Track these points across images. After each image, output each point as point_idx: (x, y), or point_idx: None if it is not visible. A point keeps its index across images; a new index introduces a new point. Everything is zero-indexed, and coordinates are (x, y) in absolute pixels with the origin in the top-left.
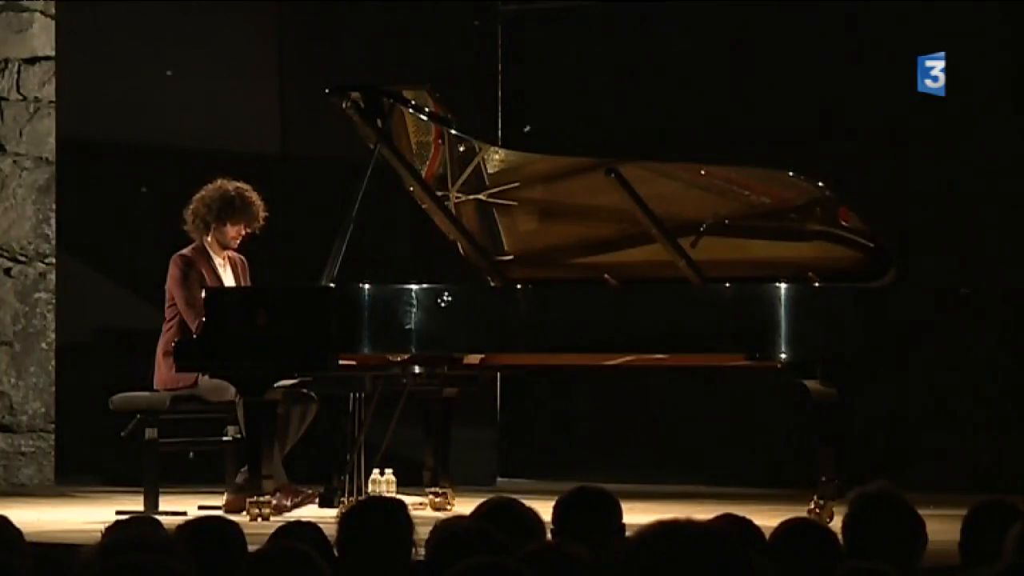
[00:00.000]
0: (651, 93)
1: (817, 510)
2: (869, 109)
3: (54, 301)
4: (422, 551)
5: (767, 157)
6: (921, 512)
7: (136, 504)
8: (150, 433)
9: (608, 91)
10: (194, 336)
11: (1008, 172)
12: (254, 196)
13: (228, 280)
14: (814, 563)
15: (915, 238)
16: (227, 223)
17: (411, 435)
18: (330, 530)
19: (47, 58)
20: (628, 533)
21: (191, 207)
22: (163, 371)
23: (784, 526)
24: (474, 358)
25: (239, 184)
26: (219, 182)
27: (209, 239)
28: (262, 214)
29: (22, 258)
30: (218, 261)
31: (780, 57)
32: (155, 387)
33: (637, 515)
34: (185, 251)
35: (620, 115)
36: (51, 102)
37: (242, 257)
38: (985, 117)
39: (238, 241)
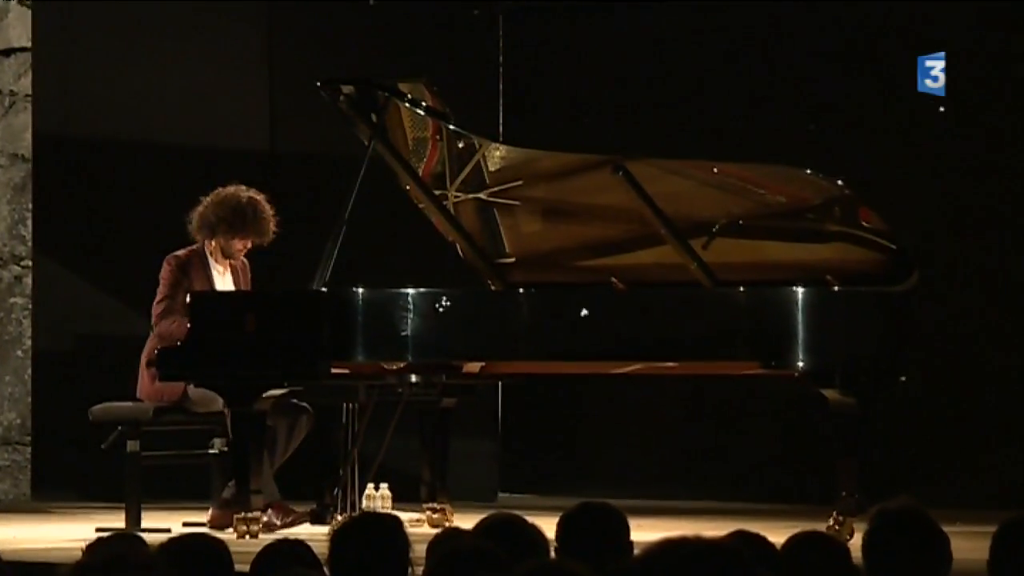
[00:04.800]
0: (659, 87)
1: (836, 527)
2: (869, 109)
3: (30, 306)
4: (419, 570)
5: (765, 157)
6: (946, 529)
7: (117, 520)
8: (132, 446)
9: (615, 84)
10: (156, 340)
11: (1008, 172)
12: (267, 209)
13: (226, 288)
14: None
15: (914, 238)
16: (235, 237)
17: (407, 448)
18: (321, 548)
19: (23, 49)
20: (635, 551)
21: (199, 209)
22: (146, 382)
23: (794, 539)
24: (474, 366)
25: (253, 195)
26: (233, 188)
27: (212, 245)
28: (272, 228)
29: None
30: (217, 268)
31: (779, 57)
32: (140, 397)
33: (645, 532)
34: (180, 252)
35: (628, 109)
36: (27, 96)
37: (244, 260)
38: (985, 117)
39: (243, 253)
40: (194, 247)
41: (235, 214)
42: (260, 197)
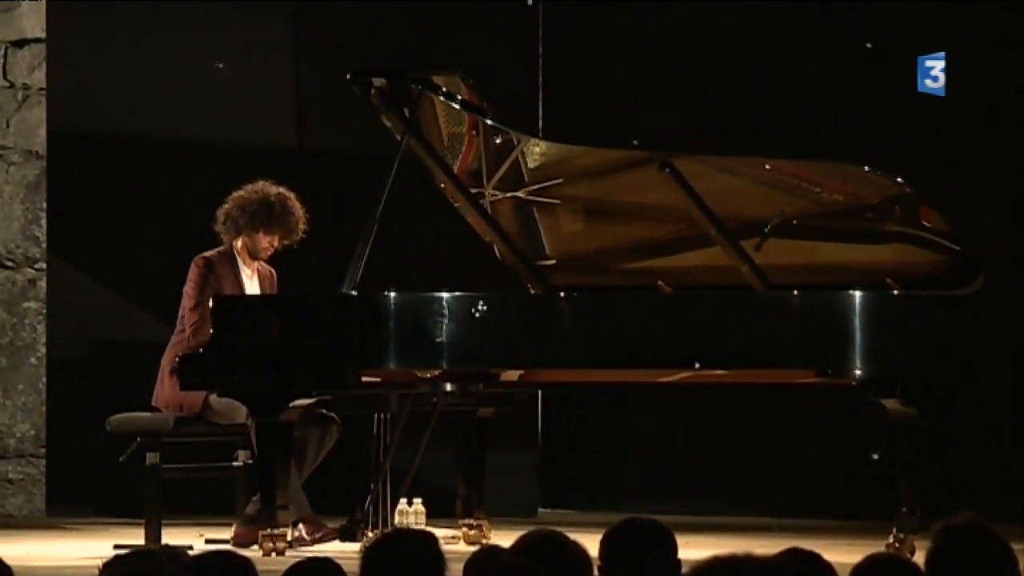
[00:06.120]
0: (704, 81)
1: (896, 544)
2: (869, 109)
3: (45, 311)
4: None
5: (821, 155)
6: (1015, 547)
7: (136, 537)
8: (152, 458)
9: (660, 77)
10: (188, 348)
11: (1008, 173)
12: (296, 206)
13: (253, 292)
14: None
15: None
16: (261, 231)
17: (442, 460)
18: (352, 567)
19: (37, 40)
20: (683, 570)
21: (225, 206)
22: (167, 390)
23: (868, 561)
24: (512, 374)
25: (282, 190)
26: (260, 184)
27: (239, 244)
28: (301, 226)
29: (9, 263)
30: (245, 271)
31: (778, 56)
32: (156, 405)
33: (693, 550)
34: (209, 253)
35: (673, 104)
36: (41, 89)
37: (271, 269)
38: (985, 117)
39: (270, 252)
40: (222, 248)
41: (262, 208)
42: (290, 194)
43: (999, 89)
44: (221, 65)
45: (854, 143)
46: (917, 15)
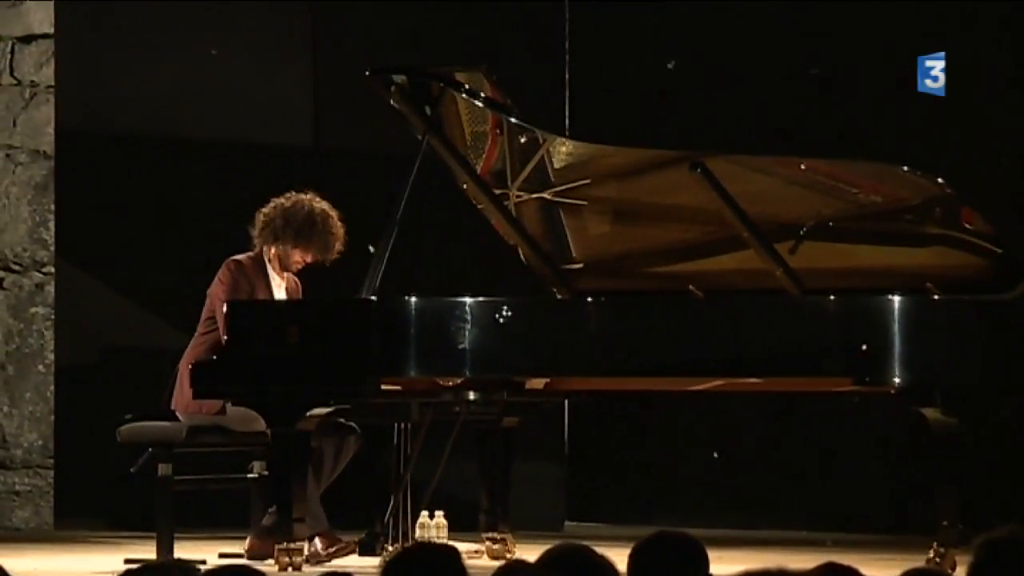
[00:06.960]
0: (740, 73)
1: (937, 559)
2: (869, 109)
3: (53, 317)
4: None
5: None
6: None
7: (147, 551)
8: (163, 469)
9: (692, 74)
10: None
11: (1008, 173)
12: (338, 226)
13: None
14: None
15: None
16: (297, 246)
17: (465, 472)
18: None
19: (45, 36)
20: None
21: (266, 211)
22: (187, 392)
23: None
24: (538, 382)
25: (326, 207)
26: (309, 195)
27: (271, 252)
28: (339, 248)
29: (16, 267)
30: (275, 279)
31: (778, 56)
32: (174, 408)
33: (726, 565)
34: (240, 257)
35: (705, 102)
36: (49, 87)
37: (296, 279)
38: (985, 117)
39: (300, 267)
40: (252, 253)
41: (304, 222)
42: (333, 212)
43: (999, 89)
44: (215, 52)
45: (852, 143)
46: (917, 15)
